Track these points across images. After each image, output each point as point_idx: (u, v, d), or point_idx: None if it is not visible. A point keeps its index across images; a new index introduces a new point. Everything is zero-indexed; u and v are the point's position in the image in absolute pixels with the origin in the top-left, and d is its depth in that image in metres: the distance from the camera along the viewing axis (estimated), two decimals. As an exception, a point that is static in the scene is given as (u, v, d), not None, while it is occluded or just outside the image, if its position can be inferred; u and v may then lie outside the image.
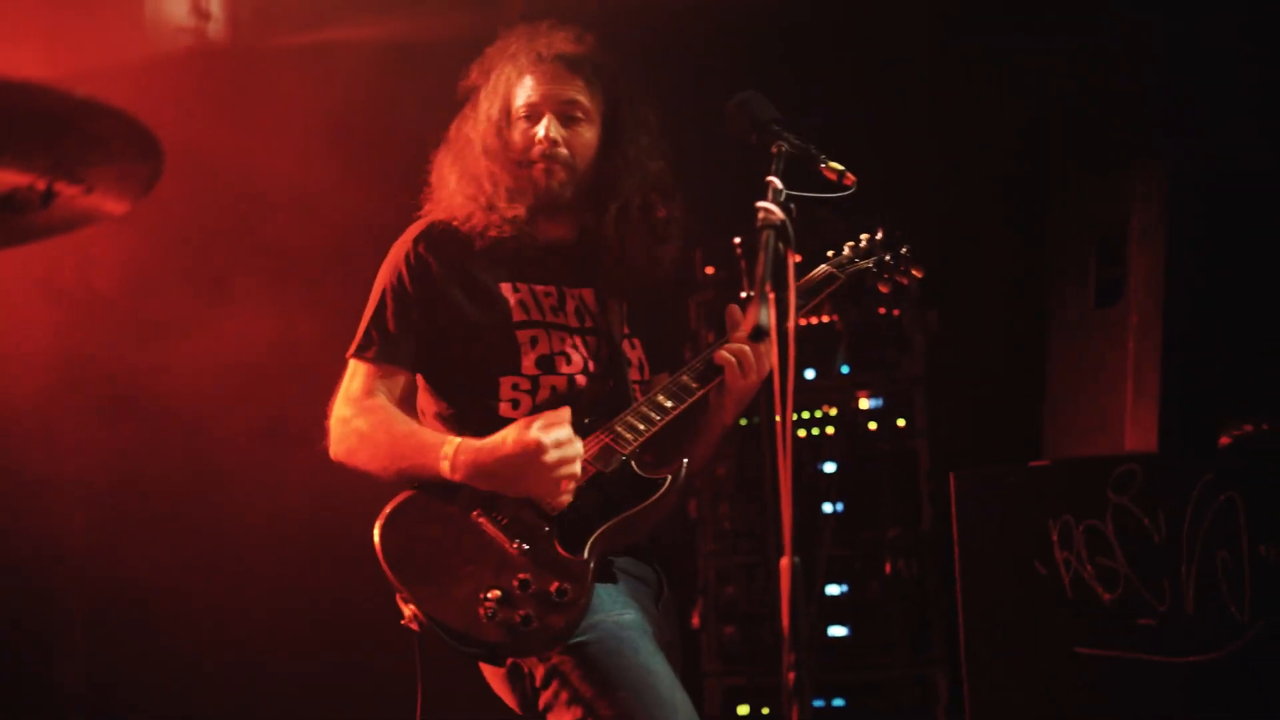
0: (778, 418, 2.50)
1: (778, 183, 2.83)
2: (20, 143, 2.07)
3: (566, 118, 3.42)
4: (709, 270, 5.57)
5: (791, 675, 2.44)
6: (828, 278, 3.56)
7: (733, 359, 3.24)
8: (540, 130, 3.39)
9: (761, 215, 2.70)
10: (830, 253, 3.64)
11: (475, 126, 3.46)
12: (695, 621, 5.41)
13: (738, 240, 2.83)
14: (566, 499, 3.08)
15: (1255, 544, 3.93)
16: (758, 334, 2.43)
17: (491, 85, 3.47)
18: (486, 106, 3.45)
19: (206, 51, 5.73)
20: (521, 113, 3.42)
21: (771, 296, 2.51)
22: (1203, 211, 4.59)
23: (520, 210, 3.36)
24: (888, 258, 3.65)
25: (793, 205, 2.77)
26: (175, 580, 5.53)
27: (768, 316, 2.45)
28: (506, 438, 3.07)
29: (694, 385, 3.27)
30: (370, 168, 5.30)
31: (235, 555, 5.63)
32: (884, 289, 3.68)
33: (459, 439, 3.15)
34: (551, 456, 3.03)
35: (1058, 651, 4.05)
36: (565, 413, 3.11)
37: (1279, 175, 4.88)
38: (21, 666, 5.50)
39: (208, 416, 5.54)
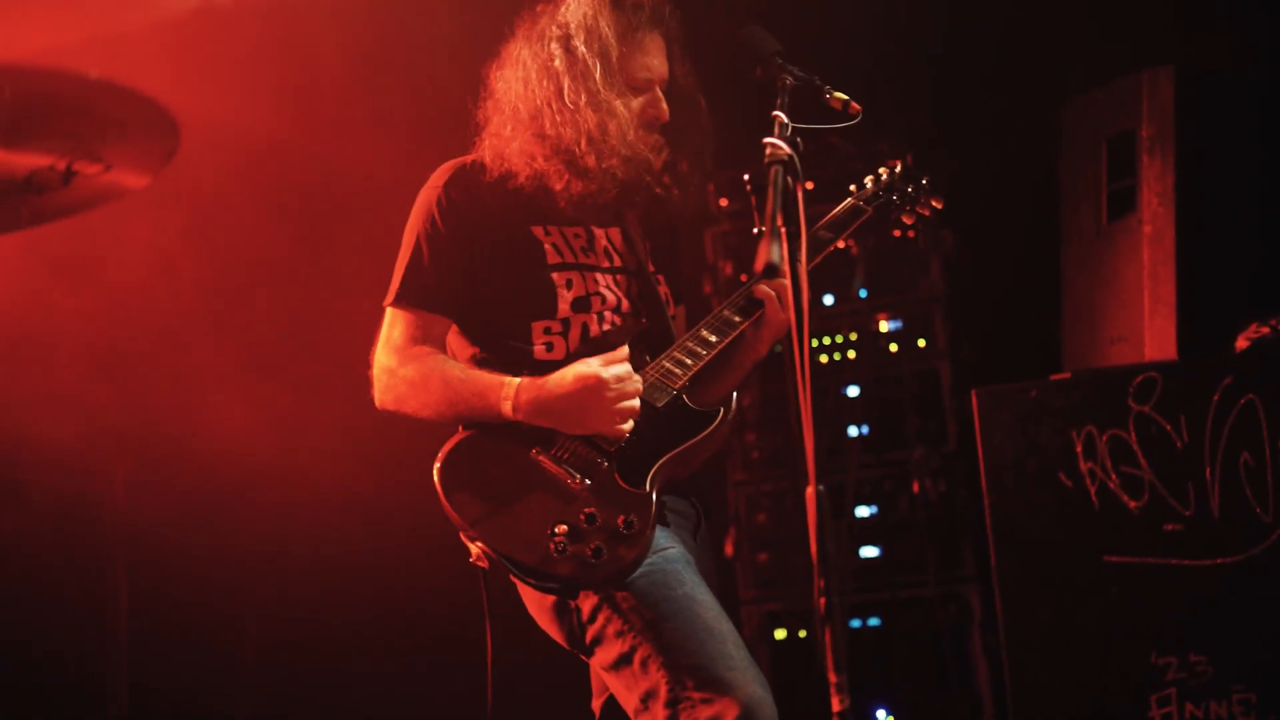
0: (794, 347, 2.55)
1: (783, 117, 2.89)
2: (39, 125, 2.11)
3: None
4: (723, 202, 5.60)
5: (822, 601, 2.50)
6: (854, 211, 3.61)
7: (773, 293, 3.30)
8: (658, 106, 3.39)
9: (769, 151, 2.76)
10: (853, 187, 3.68)
11: (573, 73, 3.32)
12: (728, 550, 5.47)
13: (746, 176, 2.86)
14: (626, 431, 3.11)
15: (1277, 444, 3.97)
16: (770, 270, 2.48)
17: (591, 32, 3.34)
18: (588, 58, 3.32)
19: (214, 11, 5.70)
20: (639, 80, 3.38)
21: (783, 232, 2.55)
22: (1211, 117, 4.58)
23: (615, 165, 3.31)
24: (909, 189, 3.70)
25: (799, 139, 2.81)
26: (218, 559, 5.61)
27: (779, 252, 2.49)
28: (566, 375, 3.12)
29: (736, 319, 3.33)
30: (394, 119, 5.29)
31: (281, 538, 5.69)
32: (908, 220, 3.74)
33: (519, 379, 3.18)
34: (612, 391, 3.08)
35: (1086, 561, 4.11)
36: (623, 351, 3.17)
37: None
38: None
39: (242, 389, 5.57)
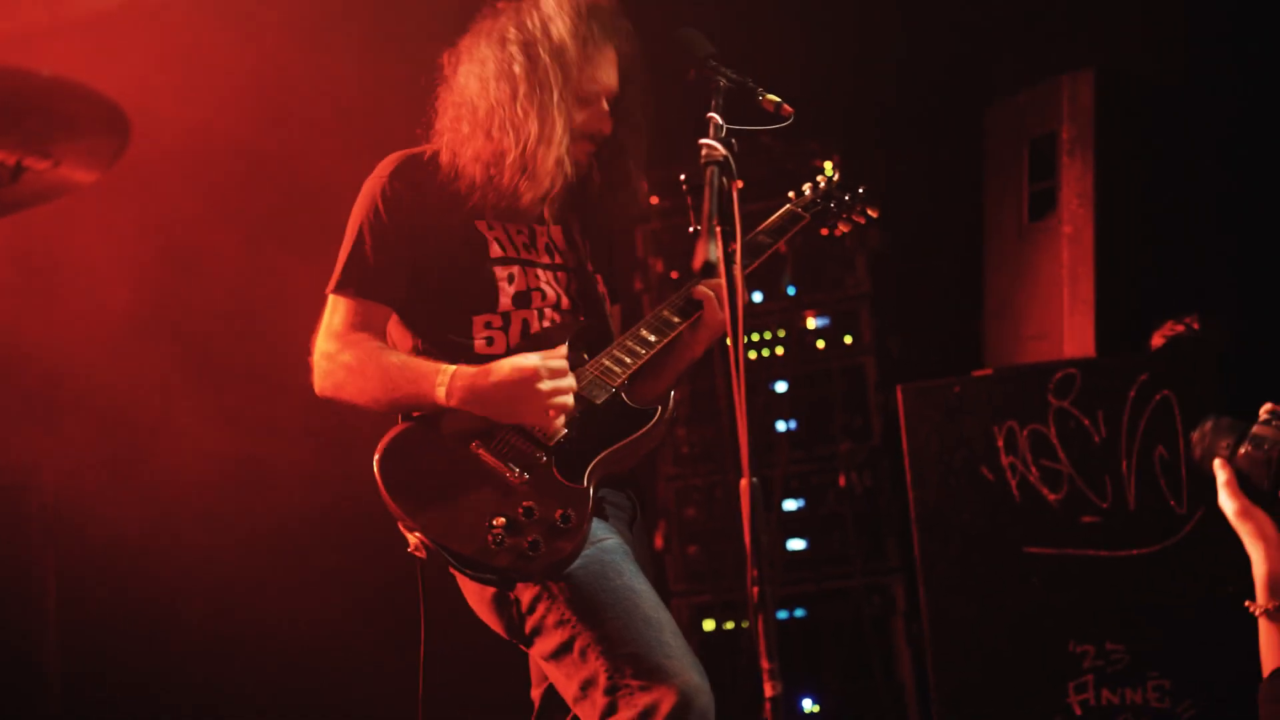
0: (728, 342, 2.61)
1: (718, 118, 2.94)
2: (-11, 122, 2.13)
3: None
4: (654, 200, 5.67)
5: (755, 590, 2.55)
6: (793, 217, 3.69)
7: (711, 294, 3.38)
8: (603, 120, 3.44)
9: (705, 152, 2.81)
10: (791, 194, 3.76)
11: (531, 81, 3.34)
12: (659, 543, 5.53)
13: (683, 176, 2.93)
14: (558, 426, 3.15)
15: (1191, 439, 4.08)
16: (708, 269, 2.55)
17: (553, 41, 3.37)
18: (548, 67, 3.35)
19: (143, 8, 5.67)
20: (587, 92, 3.41)
21: (719, 231, 2.62)
22: (1130, 120, 4.70)
23: (543, 189, 3.36)
24: (846, 197, 3.78)
25: (734, 140, 2.87)
26: (155, 552, 5.57)
27: (716, 251, 2.56)
28: (504, 365, 3.15)
29: (675, 320, 3.39)
30: (317, 114, 5.29)
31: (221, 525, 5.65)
32: (844, 228, 3.82)
33: (454, 366, 3.20)
34: (546, 385, 3.11)
35: (1007, 552, 4.22)
36: (562, 350, 3.21)
37: (1202, 83, 5.01)
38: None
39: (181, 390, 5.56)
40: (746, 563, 2.55)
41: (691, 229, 2.76)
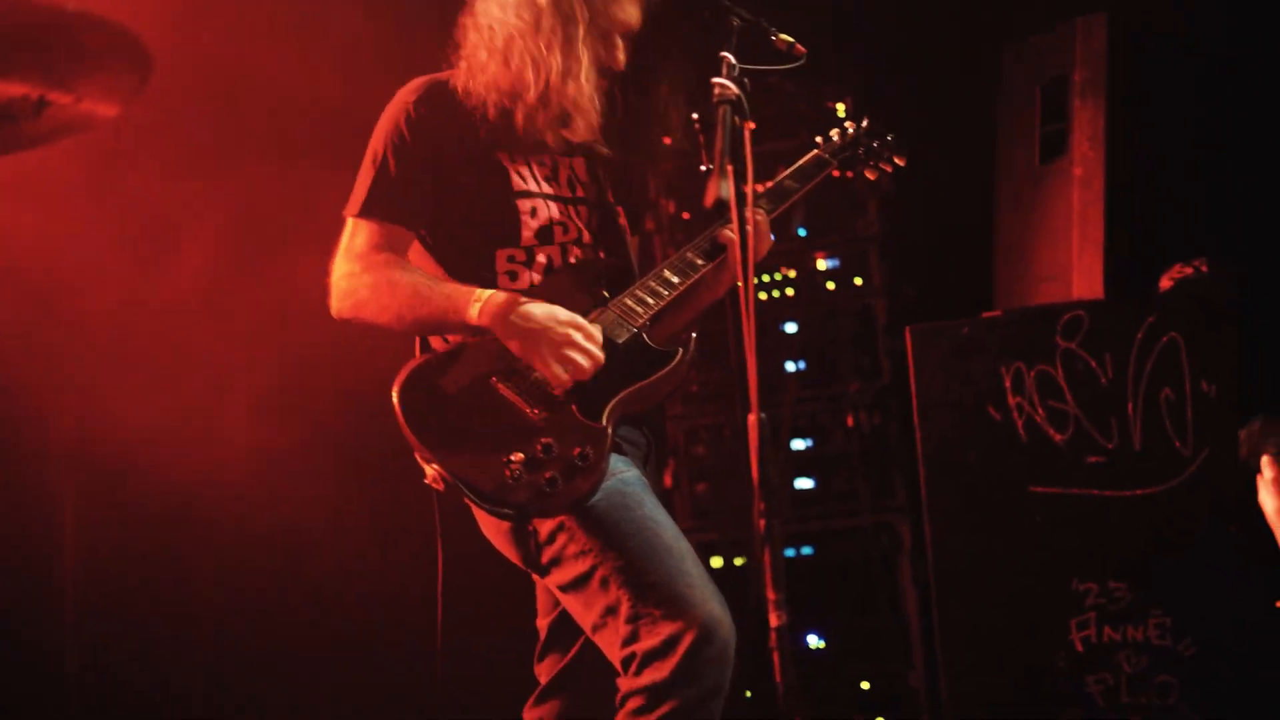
0: (738, 283, 2.64)
1: (731, 58, 2.95)
2: (14, 56, 2.15)
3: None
4: (666, 141, 5.68)
5: (762, 522, 2.59)
6: (820, 163, 3.68)
7: (736, 238, 3.37)
8: (616, 55, 3.41)
9: (718, 91, 2.83)
10: (819, 139, 3.74)
11: (557, 11, 3.32)
12: (667, 482, 5.59)
13: (695, 115, 2.96)
14: (566, 380, 3.13)
15: (1197, 381, 4.12)
16: (719, 206, 2.58)
17: None
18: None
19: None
20: (608, 28, 3.38)
21: (730, 169, 2.65)
22: (1142, 65, 4.71)
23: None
24: (874, 144, 3.77)
25: (746, 79, 2.89)
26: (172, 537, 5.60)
27: (728, 189, 2.59)
28: (545, 305, 3.17)
29: (700, 262, 3.39)
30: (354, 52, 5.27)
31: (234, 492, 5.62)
32: (871, 175, 3.81)
33: (492, 290, 3.20)
34: (576, 336, 3.13)
35: (1013, 492, 4.25)
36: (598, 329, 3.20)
37: (1212, 29, 5.02)
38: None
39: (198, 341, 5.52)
40: (754, 496, 2.59)
41: (703, 168, 2.78)
